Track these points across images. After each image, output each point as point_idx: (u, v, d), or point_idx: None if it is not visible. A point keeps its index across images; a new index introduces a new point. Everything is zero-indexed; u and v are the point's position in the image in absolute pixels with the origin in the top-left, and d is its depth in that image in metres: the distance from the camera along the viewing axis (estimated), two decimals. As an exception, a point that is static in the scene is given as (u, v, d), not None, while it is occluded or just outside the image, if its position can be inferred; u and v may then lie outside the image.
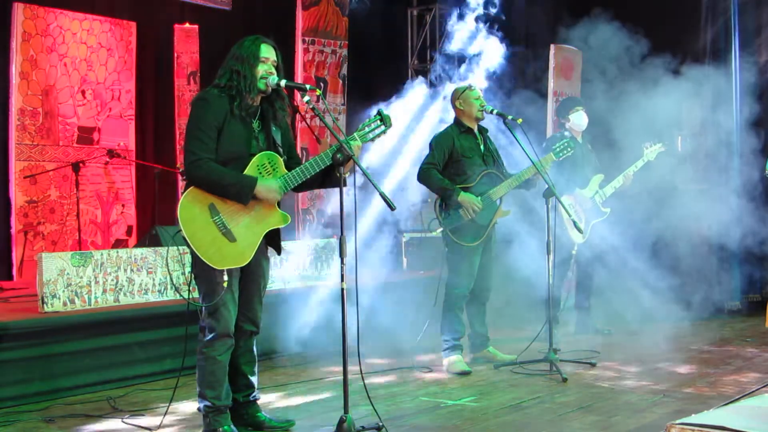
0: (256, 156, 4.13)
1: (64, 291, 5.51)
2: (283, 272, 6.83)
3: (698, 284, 9.01)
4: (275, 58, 4.22)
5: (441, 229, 5.94)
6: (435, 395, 5.20)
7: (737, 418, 3.43)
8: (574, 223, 6.11)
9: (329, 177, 4.27)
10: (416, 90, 9.12)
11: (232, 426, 4.21)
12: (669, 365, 5.91)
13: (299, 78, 8.33)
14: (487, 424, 4.50)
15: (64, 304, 5.51)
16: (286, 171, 4.18)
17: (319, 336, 6.51)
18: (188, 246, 4.03)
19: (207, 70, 8.23)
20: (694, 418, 3.52)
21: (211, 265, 4.02)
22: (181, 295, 4.06)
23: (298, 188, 4.28)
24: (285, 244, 6.89)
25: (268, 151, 4.18)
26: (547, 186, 5.78)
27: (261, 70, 4.15)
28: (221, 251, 4.03)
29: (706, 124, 8.86)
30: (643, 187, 7.72)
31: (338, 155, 4.08)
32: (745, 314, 8.19)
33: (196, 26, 8.56)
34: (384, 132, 4.28)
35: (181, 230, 4.02)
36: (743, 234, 8.26)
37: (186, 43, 8.44)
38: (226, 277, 4.06)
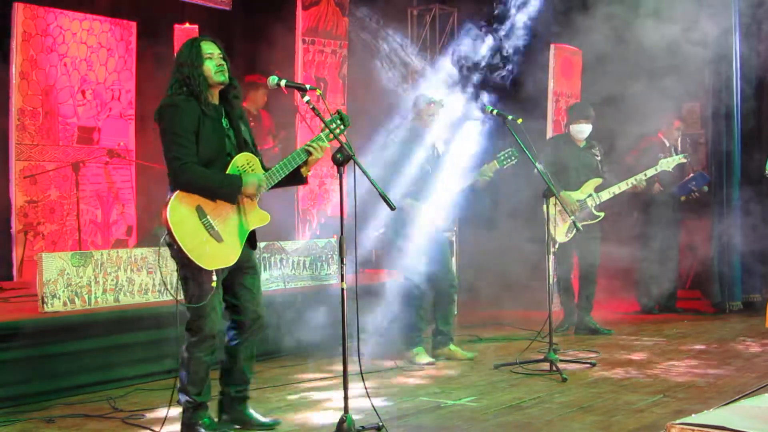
0: (235, 158, 4.20)
1: (64, 291, 5.50)
2: (283, 272, 6.82)
3: (697, 284, 9.03)
4: (219, 51, 4.25)
5: None
6: (435, 395, 5.20)
7: (737, 418, 3.44)
8: (574, 222, 6.12)
9: (296, 175, 4.35)
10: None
11: (212, 418, 4.31)
12: (669, 365, 5.91)
13: (299, 78, 8.30)
14: (487, 424, 4.50)
15: (64, 304, 5.50)
16: (263, 170, 4.26)
17: (319, 336, 6.50)
18: (176, 249, 4.04)
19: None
20: (694, 418, 3.53)
21: (202, 266, 4.04)
22: (173, 296, 4.10)
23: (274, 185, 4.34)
24: (285, 244, 6.94)
25: (245, 152, 4.24)
26: (547, 186, 5.80)
27: (209, 66, 4.20)
28: (211, 253, 4.07)
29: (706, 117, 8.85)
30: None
31: (338, 155, 4.14)
32: (745, 314, 8.18)
33: (196, 26, 8.54)
34: (343, 132, 4.33)
35: (167, 233, 4.03)
36: (743, 234, 8.25)
37: (186, 43, 8.41)
38: (215, 278, 4.10)
